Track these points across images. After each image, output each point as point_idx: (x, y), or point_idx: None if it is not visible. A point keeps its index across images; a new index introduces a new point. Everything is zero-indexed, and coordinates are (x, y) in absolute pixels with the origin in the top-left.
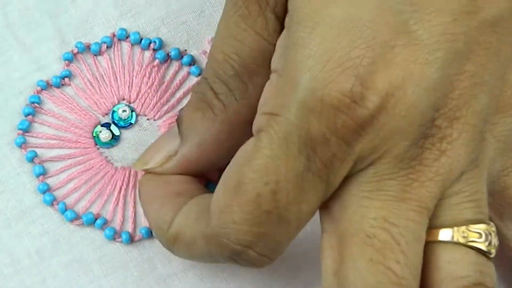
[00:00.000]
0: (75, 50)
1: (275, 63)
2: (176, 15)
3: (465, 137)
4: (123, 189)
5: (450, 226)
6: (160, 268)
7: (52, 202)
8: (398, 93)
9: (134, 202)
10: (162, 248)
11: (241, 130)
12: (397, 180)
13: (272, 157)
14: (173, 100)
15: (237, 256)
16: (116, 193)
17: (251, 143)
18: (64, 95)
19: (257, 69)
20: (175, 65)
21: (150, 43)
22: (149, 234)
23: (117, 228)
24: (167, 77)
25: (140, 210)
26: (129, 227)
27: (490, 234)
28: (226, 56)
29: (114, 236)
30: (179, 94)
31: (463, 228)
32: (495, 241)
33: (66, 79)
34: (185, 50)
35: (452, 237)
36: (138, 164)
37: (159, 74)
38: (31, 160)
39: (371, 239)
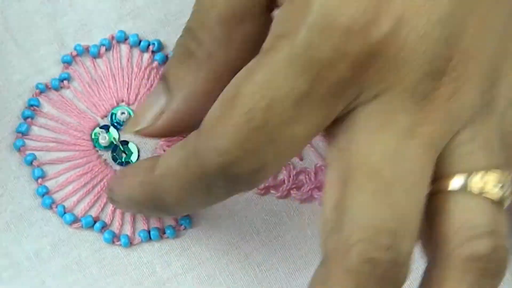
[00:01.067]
0: (74, 53)
1: None
2: (175, 17)
3: (478, 80)
4: None
5: (463, 174)
6: (159, 271)
7: (51, 205)
8: (411, 21)
9: None
10: (161, 251)
11: (229, 81)
12: (407, 115)
13: (273, 73)
14: None
15: (220, 172)
16: None
17: (254, 59)
18: (63, 98)
19: (245, 16)
20: None
21: (149, 45)
22: (148, 237)
23: (116, 231)
24: None
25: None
26: (128, 230)
27: (505, 183)
28: (213, 2)
29: (113, 239)
30: None
31: (477, 176)
32: (510, 190)
33: (65, 82)
34: None
35: (466, 185)
36: (128, 127)
37: (157, 76)
38: (30, 163)
39: (377, 173)
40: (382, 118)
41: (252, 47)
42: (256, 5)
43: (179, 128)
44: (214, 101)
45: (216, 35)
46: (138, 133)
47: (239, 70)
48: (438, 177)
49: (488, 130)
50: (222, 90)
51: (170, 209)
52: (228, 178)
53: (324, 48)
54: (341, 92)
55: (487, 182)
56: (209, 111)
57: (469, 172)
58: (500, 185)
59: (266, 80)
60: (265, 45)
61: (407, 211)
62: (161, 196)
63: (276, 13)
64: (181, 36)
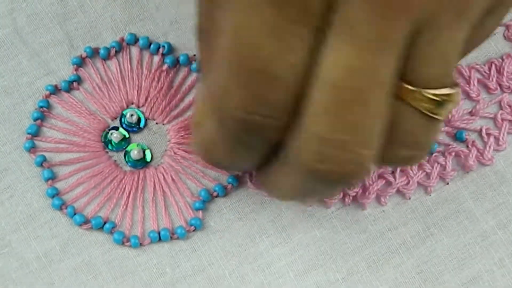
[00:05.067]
0: (84, 55)
1: None
2: (185, 20)
3: None
4: (131, 193)
5: (412, 85)
6: (169, 272)
7: (60, 206)
8: None
9: (143, 206)
10: (171, 252)
11: None
12: (371, 23)
13: (244, 15)
14: (182, 105)
15: (246, 126)
16: (125, 197)
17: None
18: (73, 100)
19: None
20: (184, 70)
21: (159, 47)
22: (158, 238)
23: (126, 232)
24: (176, 82)
25: (148, 214)
26: (137, 231)
27: (444, 100)
28: None
29: (123, 240)
30: (188, 99)
31: (418, 92)
32: (450, 106)
33: (75, 84)
34: (194, 55)
35: (410, 100)
36: None
37: (168, 79)
38: (40, 164)
39: (336, 90)
40: (348, 28)
41: None
42: None
43: None
44: None
45: None
46: None
47: None
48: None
49: (453, 33)
50: None
51: None
52: (255, 130)
53: None
54: (314, 7)
55: (426, 100)
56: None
57: (418, 85)
58: (437, 103)
59: (240, 25)
60: None
61: (368, 125)
62: None
63: None
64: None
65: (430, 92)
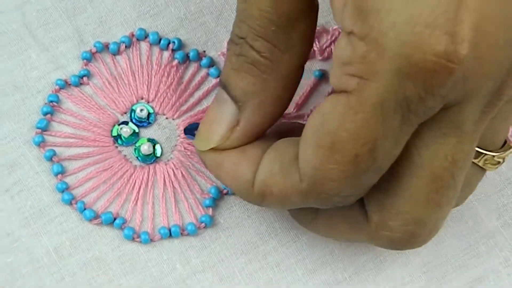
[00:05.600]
0: (94, 50)
1: (348, 23)
2: (195, 16)
3: None
4: (142, 188)
5: (483, 148)
6: (179, 268)
7: (70, 201)
8: (483, 38)
9: (153, 202)
10: (181, 248)
11: (296, 78)
12: (475, 118)
13: (368, 119)
14: (192, 100)
15: (336, 203)
16: (135, 193)
17: (341, 101)
18: (83, 94)
19: (298, 16)
20: (193, 66)
21: (169, 43)
22: (168, 234)
23: (136, 228)
24: (186, 78)
25: (158, 210)
26: (148, 227)
27: (505, 158)
28: (263, 12)
29: (133, 236)
30: (198, 94)
31: (489, 157)
32: (506, 159)
33: (85, 78)
34: (204, 51)
35: (478, 161)
36: (202, 143)
37: (177, 74)
38: (50, 158)
39: (435, 178)
40: (452, 123)
41: (311, 37)
42: (305, 1)
43: (253, 138)
44: (284, 104)
45: (274, 44)
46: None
47: (302, 66)
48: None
49: None
50: (290, 91)
51: None
52: (342, 204)
53: (411, 88)
54: (430, 112)
55: (493, 162)
56: (302, 155)
57: (487, 148)
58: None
59: (362, 127)
60: (343, 83)
61: (451, 202)
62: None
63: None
64: (233, 45)
65: (500, 155)
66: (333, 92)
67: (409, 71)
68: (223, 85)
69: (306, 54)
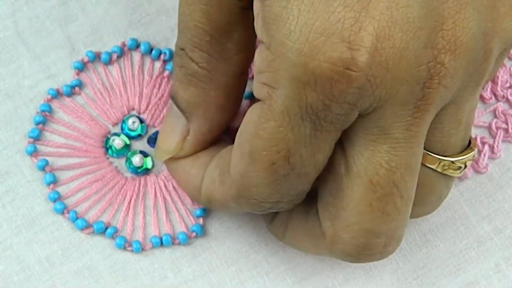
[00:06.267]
0: (86, 59)
1: (259, 32)
2: None
3: (465, 63)
4: (133, 199)
5: (438, 154)
6: (170, 277)
7: (63, 211)
8: (387, 44)
9: (144, 212)
10: (172, 257)
11: (238, 85)
12: (402, 122)
13: (278, 127)
14: None
15: (269, 209)
16: (126, 203)
17: (256, 110)
18: (75, 104)
19: (231, 27)
20: None
21: (161, 54)
22: (160, 243)
23: (128, 237)
24: None
25: (149, 220)
26: (139, 236)
27: (466, 162)
28: (197, 22)
29: (125, 245)
30: None
31: (447, 162)
32: (468, 164)
33: (77, 88)
34: None
35: (436, 167)
36: (160, 154)
37: (169, 86)
38: (43, 168)
39: (374, 186)
40: (379, 129)
41: (247, 46)
42: (238, 12)
43: (205, 145)
44: (230, 109)
45: (210, 54)
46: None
47: (244, 71)
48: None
49: (468, 100)
50: (234, 97)
51: None
52: (278, 209)
53: (313, 96)
54: (343, 118)
55: (453, 167)
56: (232, 161)
57: (444, 153)
58: (461, 168)
59: (274, 135)
60: (257, 91)
61: (401, 213)
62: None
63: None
64: (176, 57)
65: (459, 160)
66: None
67: (307, 79)
68: (172, 97)
69: (244, 62)
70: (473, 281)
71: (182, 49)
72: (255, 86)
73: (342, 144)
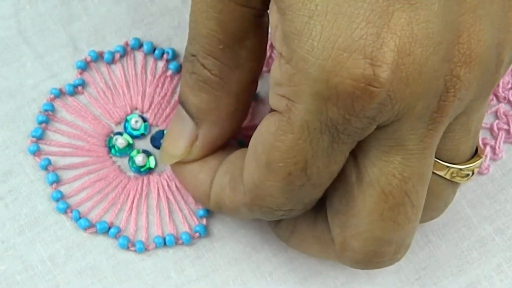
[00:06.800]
0: (88, 58)
1: (278, 45)
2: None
3: (479, 75)
4: (136, 198)
5: (448, 161)
6: (174, 277)
7: (65, 210)
8: (407, 60)
9: (147, 212)
10: (175, 257)
11: (248, 93)
12: (416, 135)
13: (296, 140)
14: None
15: (281, 216)
16: (129, 203)
17: (274, 121)
18: (78, 104)
19: (244, 34)
20: None
21: (163, 53)
22: (163, 243)
23: (131, 237)
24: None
25: (153, 219)
26: (142, 236)
27: (474, 170)
28: (210, 30)
29: (128, 244)
30: None
31: (455, 170)
32: (476, 171)
33: (80, 88)
34: None
35: (444, 174)
36: (166, 158)
37: (172, 85)
38: (45, 167)
39: (387, 196)
40: (393, 141)
41: (260, 53)
42: (250, 20)
43: (213, 150)
44: (239, 117)
45: (223, 62)
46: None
47: (255, 79)
48: None
49: (478, 109)
50: (244, 105)
51: None
52: (289, 217)
53: (334, 110)
54: (361, 132)
55: (461, 174)
56: (246, 169)
57: (453, 161)
58: (469, 175)
59: (292, 147)
60: (276, 103)
61: (411, 222)
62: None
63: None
64: (187, 63)
65: (467, 168)
66: (271, 110)
67: (329, 95)
68: (181, 102)
69: (256, 70)
70: (475, 282)
71: (194, 56)
72: (272, 97)
73: (353, 152)
